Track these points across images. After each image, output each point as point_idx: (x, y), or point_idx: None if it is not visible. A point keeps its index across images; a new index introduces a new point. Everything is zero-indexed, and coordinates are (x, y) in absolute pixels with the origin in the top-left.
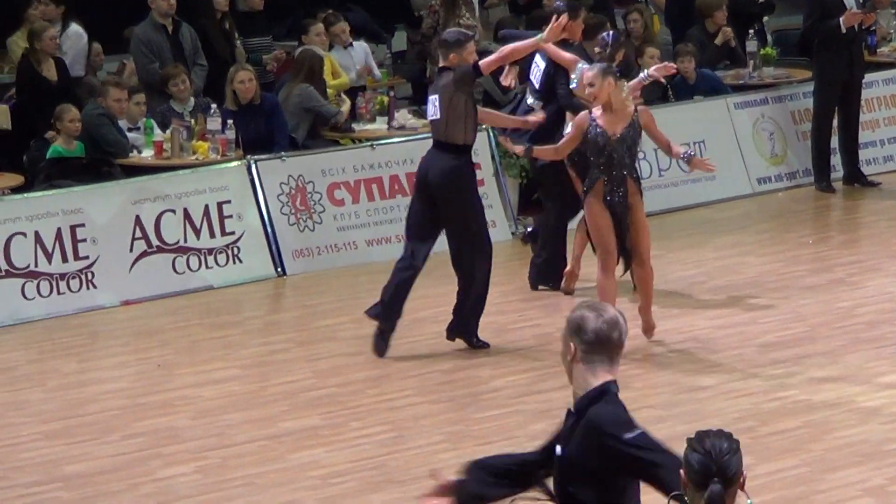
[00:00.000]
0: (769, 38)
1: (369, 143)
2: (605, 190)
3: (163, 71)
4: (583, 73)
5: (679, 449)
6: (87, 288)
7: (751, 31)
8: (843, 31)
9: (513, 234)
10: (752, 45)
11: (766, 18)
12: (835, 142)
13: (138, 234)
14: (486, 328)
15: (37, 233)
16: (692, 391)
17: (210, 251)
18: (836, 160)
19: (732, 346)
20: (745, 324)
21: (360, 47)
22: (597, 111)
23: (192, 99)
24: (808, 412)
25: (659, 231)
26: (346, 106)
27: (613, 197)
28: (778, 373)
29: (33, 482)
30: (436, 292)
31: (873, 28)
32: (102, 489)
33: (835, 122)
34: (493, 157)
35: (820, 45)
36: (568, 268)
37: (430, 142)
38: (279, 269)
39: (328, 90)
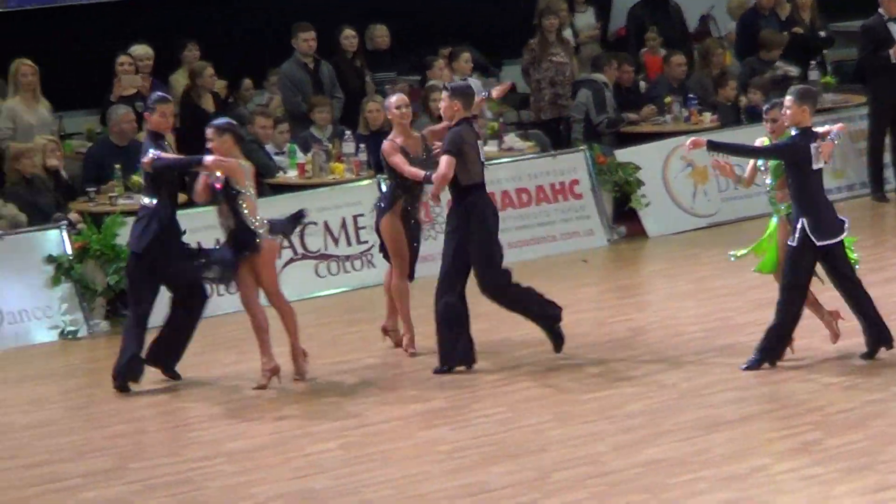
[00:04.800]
0: (829, 68)
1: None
2: (404, 206)
3: (310, 100)
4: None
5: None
6: None
7: (813, 62)
8: (893, 61)
9: (608, 240)
10: (814, 74)
11: (825, 51)
12: (887, 157)
13: (286, 243)
14: (587, 322)
15: (199, 243)
16: (768, 375)
17: (347, 258)
18: (888, 173)
19: (804, 335)
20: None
21: (475, 83)
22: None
23: (330, 126)
24: (869, 393)
25: (741, 236)
26: None
27: (411, 213)
28: (844, 357)
29: (201, 457)
30: (544, 291)
31: None
32: (259, 463)
33: (887, 140)
34: (589, 174)
35: (873, 73)
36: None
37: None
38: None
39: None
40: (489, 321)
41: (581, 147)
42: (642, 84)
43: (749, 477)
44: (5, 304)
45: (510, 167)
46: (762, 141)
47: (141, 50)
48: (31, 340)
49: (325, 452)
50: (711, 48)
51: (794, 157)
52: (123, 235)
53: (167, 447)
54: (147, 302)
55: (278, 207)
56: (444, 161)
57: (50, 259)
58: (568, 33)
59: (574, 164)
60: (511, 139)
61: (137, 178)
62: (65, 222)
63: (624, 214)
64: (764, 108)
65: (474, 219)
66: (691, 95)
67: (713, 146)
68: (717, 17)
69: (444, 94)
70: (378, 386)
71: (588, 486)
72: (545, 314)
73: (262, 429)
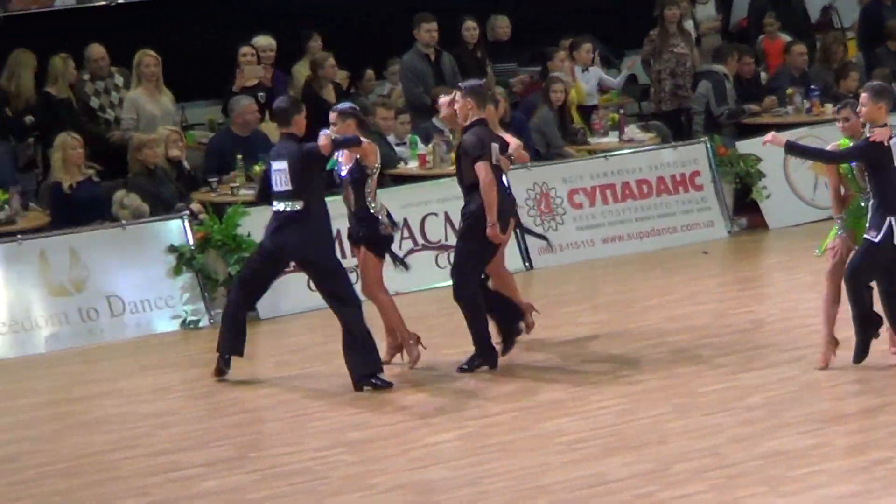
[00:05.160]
0: None
1: (603, 155)
2: None
3: (434, 90)
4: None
5: None
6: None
7: None
8: None
9: (728, 232)
10: None
11: None
12: None
13: (406, 234)
14: (707, 314)
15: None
16: (888, 367)
17: None
18: None
19: None
20: None
21: (594, 72)
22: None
23: None
24: None
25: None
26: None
27: None
28: None
29: (322, 447)
30: (664, 282)
31: None
32: (379, 453)
33: None
34: (710, 166)
35: None
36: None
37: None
38: (527, 264)
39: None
40: (608, 312)
41: (702, 138)
42: (763, 75)
43: (870, 470)
44: (128, 294)
45: (631, 158)
46: (836, 145)
47: (264, 41)
48: (153, 330)
49: (444, 443)
50: (833, 46)
51: (873, 157)
52: (245, 226)
53: (287, 437)
54: None
55: (398, 198)
56: (482, 169)
57: (172, 249)
58: (689, 24)
59: (695, 155)
60: (632, 130)
61: (260, 167)
62: (187, 212)
63: (744, 206)
64: (836, 107)
65: (474, 229)
66: (813, 87)
67: (790, 148)
68: (840, 9)
69: (457, 94)
70: (497, 377)
71: (707, 479)
72: (507, 315)
73: (382, 419)
